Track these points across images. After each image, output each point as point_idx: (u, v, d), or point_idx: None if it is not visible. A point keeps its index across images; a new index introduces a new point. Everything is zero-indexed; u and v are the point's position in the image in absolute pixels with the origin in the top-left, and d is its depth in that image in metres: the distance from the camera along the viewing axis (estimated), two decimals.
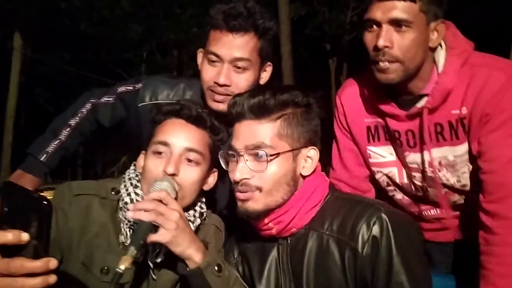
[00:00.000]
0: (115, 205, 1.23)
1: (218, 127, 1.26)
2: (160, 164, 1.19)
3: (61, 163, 1.74)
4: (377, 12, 1.29)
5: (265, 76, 1.50)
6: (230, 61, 1.39)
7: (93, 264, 1.17)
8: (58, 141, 1.71)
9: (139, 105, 1.61)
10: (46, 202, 0.79)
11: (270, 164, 1.11)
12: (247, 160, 1.12)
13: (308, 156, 1.16)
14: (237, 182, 1.13)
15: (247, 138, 1.13)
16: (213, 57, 1.40)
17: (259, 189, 1.12)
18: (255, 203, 1.13)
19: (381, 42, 1.27)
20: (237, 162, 1.13)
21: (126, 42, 5.99)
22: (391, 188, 1.51)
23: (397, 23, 1.28)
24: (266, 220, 1.15)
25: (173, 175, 1.17)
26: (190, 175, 1.20)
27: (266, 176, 1.11)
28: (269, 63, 1.49)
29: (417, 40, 1.29)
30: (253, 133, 1.13)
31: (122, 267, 0.97)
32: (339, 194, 1.22)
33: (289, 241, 1.18)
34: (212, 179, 1.29)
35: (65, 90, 7.03)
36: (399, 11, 1.28)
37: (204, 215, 1.28)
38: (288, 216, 1.15)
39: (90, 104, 1.72)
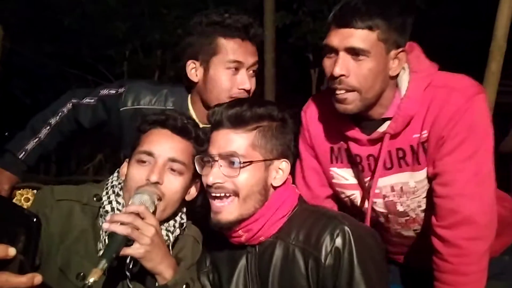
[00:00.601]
0: (96, 212, 1.26)
1: (203, 138, 1.30)
2: (143, 172, 1.23)
3: (39, 161, 1.75)
4: (334, 39, 1.25)
5: None
6: (248, 66, 1.51)
7: (69, 269, 1.20)
8: (37, 139, 1.73)
9: (121, 109, 1.64)
10: (35, 219, 0.80)
11: (242, 170, 1.17)
12: (221, 165, 1.18)
13: (279, 168, 1.23)
14: (209, 186, 1.18)
15: (222, 145, 1.19)
16: (235, 65, 1.49)
17: (236, 194, 1.17)
18: (228, 214, 1.18)
19: (337, 70, 1.24)
20: (211, 167, 1.19)
21: (109, 39, 5.93)
22: (354, 210, 1.50)
23: (354, 52, 1.23)
24: (236, 228, 1.20)
25: (156, 183, 1.21)
26: (173, 184, 1.24)
27: (238, 182, 1.17)
28: None
29: (375, 70, 1.24)
30: (229, 141, 1.19)
31: (91, 279, 0.99)
32: (306, 206, 1.28)
33: (257, 249, 1.23)
34: (194, 190, 1.33)
35: (44, 83, 6.92)
36: (356, 39, 1.22)
37: (184, 226, 1.32)
38: (258, 224, 1.20)
39: (71, 104, 1.75)
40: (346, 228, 1.15)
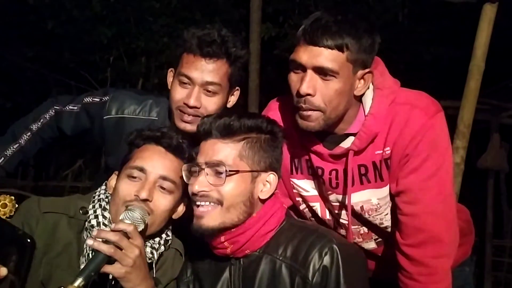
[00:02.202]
0: (82, 225, 1.25)
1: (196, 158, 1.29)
2: (133, 188, 1.22)
3: (18, 167, 1.73)
4: (303, 56, 1.22)
5: (232, 100, 1.58)
6: (201, 84, 1.47)
7: (50, 283, 1.18)
8: (17, 145, 1.71)
9: (105, 117, 1.63)
10: (29, 240, 0.79)
11: (228, 180, 1.17)
12: (207, 174, 1.18)
13: (267, 181, 1.23)
14: (195, 194, 1.18)
15: (210, 154, 1.20)
16: (185, 79, 1.47)
17: (220, 202, 1.17)
18: (211, 220, 1.18)
19: (304, 89, 1.22)
20: (198, 176, 1.19)
21: (93, 44, 5.88)
22: (314, 221, 1.49)
23: (322, 71, 1.21)
24: (222, 239, 1.20)
25: (145, 200, 1.20)
26: (162, 202, 1.24)
27: (223, 191, 1.18)
28: (237, 87, 1.57)
29: (341, 90, 1.23)
30: (217, 150, 1.20)
31: None
32: (294, 221, 1.29)
33: (241, 262, 1.23)
34: (181, 208, 1.32)
35: (25, 87, 6.80)
36: (325, 59, 1.20)
37: (169, 243, 1.31)
38: (244, 237, 1.20)
39: (53, 111, 1.73)
40: (335, 246, 1.16)
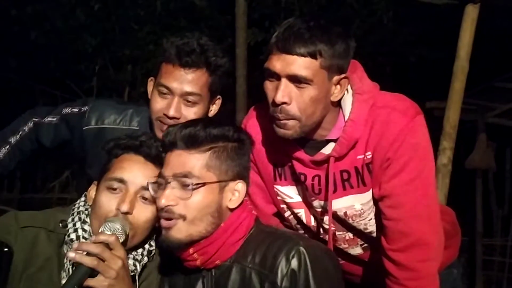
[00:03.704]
0: (62, 239, 1.22)
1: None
2: (113, 200, 1.19)
3: (2, 177, 1.69)
4: (276, 64, 1.21)
5: (214, 109, 1.55)
6: (181, 95, 1.44)
7: None
8: None
9: (84, 128, 1.60)
10: (6, 249, 0.76)
11: (195, 192, 1.14)
12: (173, 187, 1.15)
13: (235, 189, 1.21)
14: (161, 209, 1.16)
15: (176, 166, 1.17)
16: (164, 90, 1.44)
17: (183, 217, 1.15)
18: (177, 232, 1.15)
19: (279, 98, 1.20)
20: (164, 189, 1.16)
21: (78, 53, 5.84)
22: (299, 227, 1.47)
23: (296, 79, 1.20)
24: (191, 251, 1.18)
25: (126, 213, 1.17)
26: (144, 214, 1.21)
27: (190, 204, 1.14)
28: (219, 96, 1.55)
29: (316, 97, 1.21)
30: (182, 162, 1.17)
31: None
32: (263, 227, 1.27)
33: (213, 273, 1.21)
34: None
35: (10, 98, 6.72)
36: (299, 67, 1.19)
37: (153, 253, 1.28)
38: (213, 247, 1.18)
39: (32, 123, 1.70)
40: (302, 249, 1.14)
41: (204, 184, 1.16)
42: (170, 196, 1.15)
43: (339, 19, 1.34)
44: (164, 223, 1.16)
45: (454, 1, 3.08)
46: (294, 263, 1.12)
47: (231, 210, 1.20)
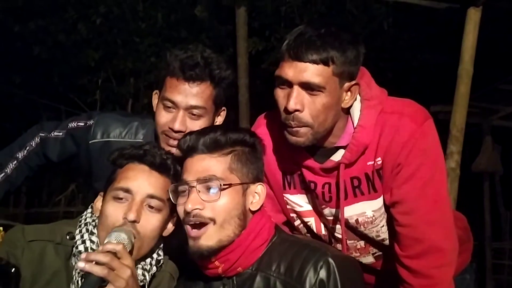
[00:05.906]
0: (69, 251, 1.21)
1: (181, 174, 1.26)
2: (120, 210, 1.18)
3: (5, 196, 1.68)
4: (289, 72, 1.20)
5: (219, 121, 1.55)
6: (186, 108, 1.43)
7: None
8: (3, 174, 1.67)
9: (90, 142, 1.59)
10: (14, 269, 0.76)
11: (222, 194, 1.14)
12: (199, 191, 1.15)
13: (256, 192, 1.21)
14: (188, 213, 1.15)
15: (199, 171, 1.17)
16: (169, 103, 1.44)
17: (213, 221, 1.14)
18: (208, 239, 1.14)
19: (292, 105, 1.20)
20: (188, 195, 1.15)
21: (81, 67, 5.88)
22: (310, 236, 1.45)
23: (308, 87, 1.19)
24: (212, 258, 1.16)
25: (133, 221, 1.17)
26: (151, 222, 1.20)
27: (218, 207, 1.14)
28: (223, 108, 1.54)
29: (329, 104, 1.22)
30: (206, 166, 1.17)
31: None
32: (285, 236, 1.26)
33: (234, 282, 1.20)
34: (171, 225, 1.29)
35: (14, 113, 6.76)
36: (311, 74, 1.19)
37: (161, 263, 1.27)
38: (235, 254, 1.17)
39: (39, 138, 1.69)
40: (330, 259, 1.13)
41: (230, 185, 1.16)
42: (196, 200, 1.14)
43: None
44: (192, 232, 1.15)
45: (455, 5, 3.09)
46: (322, 273, 1.12)
47: (253, 213, 1.20)
